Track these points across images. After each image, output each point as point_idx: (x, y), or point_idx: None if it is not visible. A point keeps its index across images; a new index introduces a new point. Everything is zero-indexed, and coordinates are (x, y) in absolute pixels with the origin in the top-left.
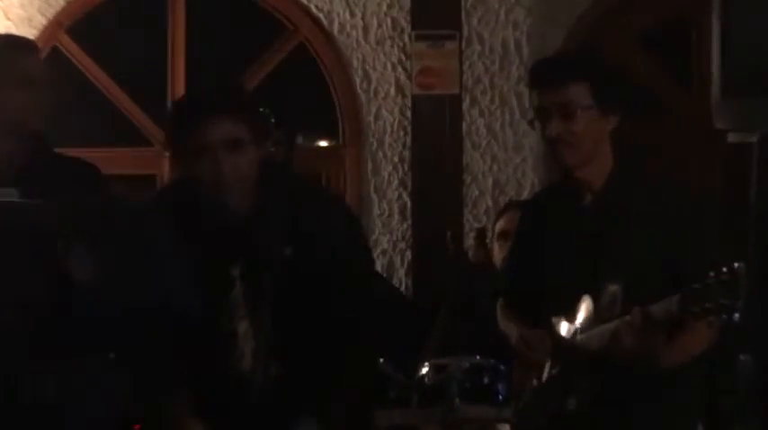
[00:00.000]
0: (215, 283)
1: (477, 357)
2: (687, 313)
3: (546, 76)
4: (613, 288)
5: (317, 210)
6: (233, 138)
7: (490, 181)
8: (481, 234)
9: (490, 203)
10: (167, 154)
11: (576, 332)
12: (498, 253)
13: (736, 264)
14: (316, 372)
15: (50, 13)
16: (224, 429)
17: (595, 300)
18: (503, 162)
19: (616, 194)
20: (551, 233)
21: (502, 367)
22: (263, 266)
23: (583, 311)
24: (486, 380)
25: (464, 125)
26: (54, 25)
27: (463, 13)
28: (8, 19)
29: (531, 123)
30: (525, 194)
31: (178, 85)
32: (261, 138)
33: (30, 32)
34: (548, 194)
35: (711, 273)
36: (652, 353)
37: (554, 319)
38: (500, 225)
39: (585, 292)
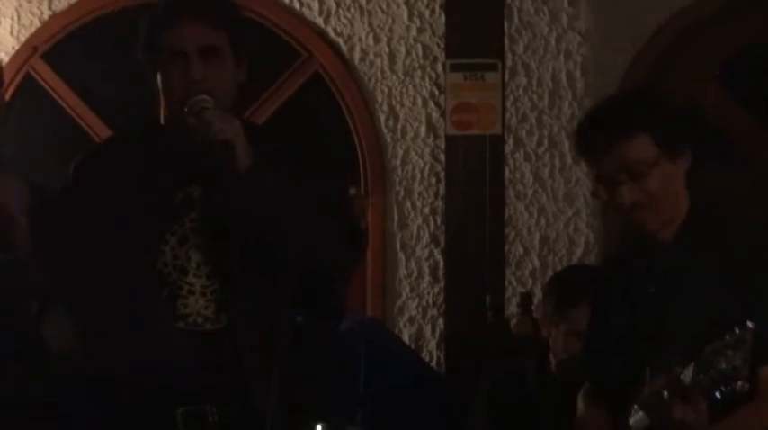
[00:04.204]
0: (167, 205)
1: None
2: (698, 385)
3: (597, 139)
4: (683, 360)
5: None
6: (210, 44)
7: (537, 237)
8: (526, 300)
9: (537, 263)
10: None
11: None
12: (564, 348)
13: (748, 323)
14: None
15: (23, 35)
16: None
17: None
18: (552, 215)
19: (688, 249)
20: (618, 300)
21: None
22: (231, 188)
23: (648, 389)
24: None
25: (507, 171)
26: (27, 49)
27: (507, 40)
28: None
29: (594, 194)
30: (578, 253)
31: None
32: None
33: None
34: (616, 256)
35: (727, 335)
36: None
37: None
38: (574, 320)
39: (648, 367)
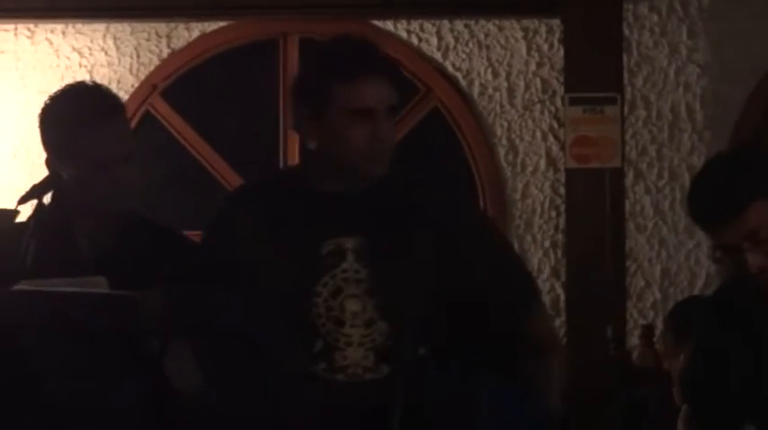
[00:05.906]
0: (315, 256)
1: None
2: None
3: (712, 211)
4: None
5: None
6: (392, 104)
7: (658, 269)
8: (648, 332)
9: (658, 295)
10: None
11: None
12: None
13: None
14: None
15: (143, 73)
16: None
17: None
18: (673, 247)
19: None
20: (737, 340)
21: None
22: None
23: None
24: None
25: (627, 204)
26: (147, 87)
27: (626, 73)
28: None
29: (715, 259)
30: (700, 285)
31: (292, 159)
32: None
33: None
34: (733, 292)
35: None
36: None
37: None
38: None
39: None
